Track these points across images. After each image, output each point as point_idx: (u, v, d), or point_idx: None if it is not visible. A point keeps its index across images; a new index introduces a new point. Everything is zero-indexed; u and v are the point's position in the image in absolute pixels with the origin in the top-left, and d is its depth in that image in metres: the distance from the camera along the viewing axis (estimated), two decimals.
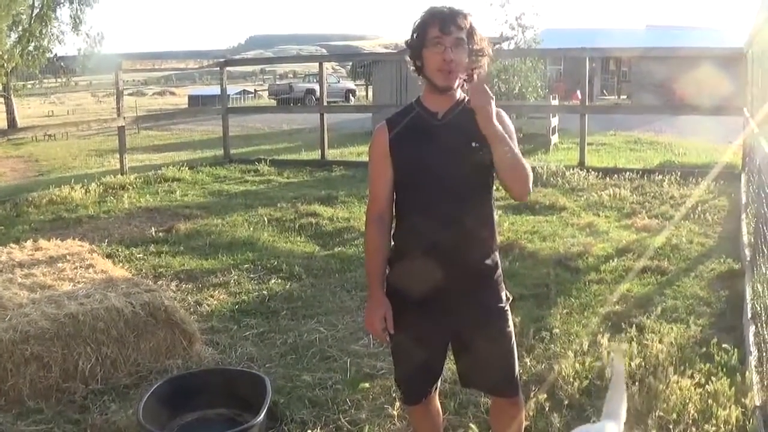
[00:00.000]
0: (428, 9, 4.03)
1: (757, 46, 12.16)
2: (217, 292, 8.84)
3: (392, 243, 4.28)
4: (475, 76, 4.07)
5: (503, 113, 4.07)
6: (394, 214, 4.26)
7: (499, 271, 4.26)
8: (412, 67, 4.11)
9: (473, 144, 3.96)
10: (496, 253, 4.26)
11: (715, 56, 22.33)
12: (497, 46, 32.36)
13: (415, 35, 4.03)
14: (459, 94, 4.12)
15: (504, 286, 4.30)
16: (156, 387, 5.56)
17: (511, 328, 4.29)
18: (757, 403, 5.28)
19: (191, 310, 8.12)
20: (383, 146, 4.14)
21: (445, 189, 4.02)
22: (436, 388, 4.55)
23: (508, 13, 39.02)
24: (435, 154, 4.02)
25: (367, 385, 6.21)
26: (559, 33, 40.87)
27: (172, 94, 76.07)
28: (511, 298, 4.34)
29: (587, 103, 18.75)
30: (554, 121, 23.14)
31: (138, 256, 10.47)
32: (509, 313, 4.30)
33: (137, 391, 6.19)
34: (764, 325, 6.35)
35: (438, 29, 3.91)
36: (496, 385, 4.39)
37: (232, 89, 29.65)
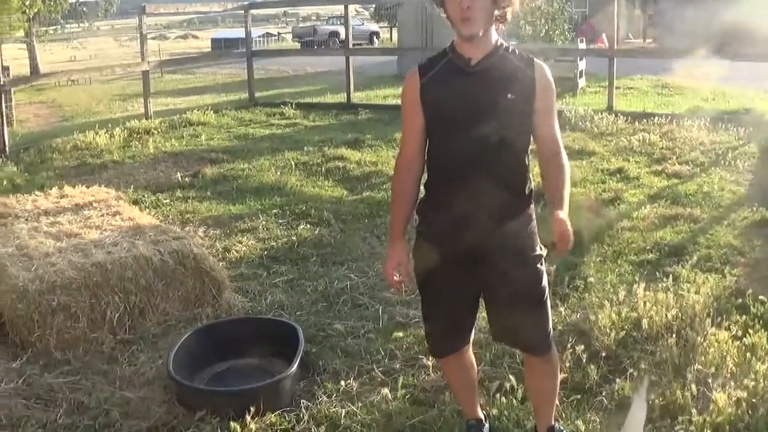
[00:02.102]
0: None
1: None
2: (245, 238, 8.80)
3: (423, 192, 4.23)
4: (508, 15, 3.97)
5: (546, 70, 4.00)
6: (426, 162, 4.19)
7: (533, 223, 4.16)
8: (443, 14, 3.98)
9: (509, 95, 3.88)
10: (531, 205, 4.15)
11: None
12: None
13: None
14: (494, 37, 3.99)
15: (538, 239, 4.20)
16: (185, 337, 5.54)
17: (545, 282, 4.20)
18: None
19: (219, 256, 8.09)
20: (414, 93, 4.04)
21: (477, 140, 3.90)
22: (469, 341, 4.48)
23: None
24: (467, 103, 3.93)
25: (400, 334, 6.17)
26: None
27: (195, 37, 75.71)
28: (545, 252, 4.22)
29: (615, 47, 18.50)
30: (581, 65, 22.92)
31: (164, 201, 10.45)
32: (543, 266, 4.20)
33: (166, 340, 6.17)
34: None
35: None
36: (528, 342, 4.32)
37: (255, 32, 29.49)
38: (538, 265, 4.16)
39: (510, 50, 4.02)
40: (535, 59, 4.01)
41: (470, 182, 3.94)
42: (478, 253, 4.04)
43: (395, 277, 4.20)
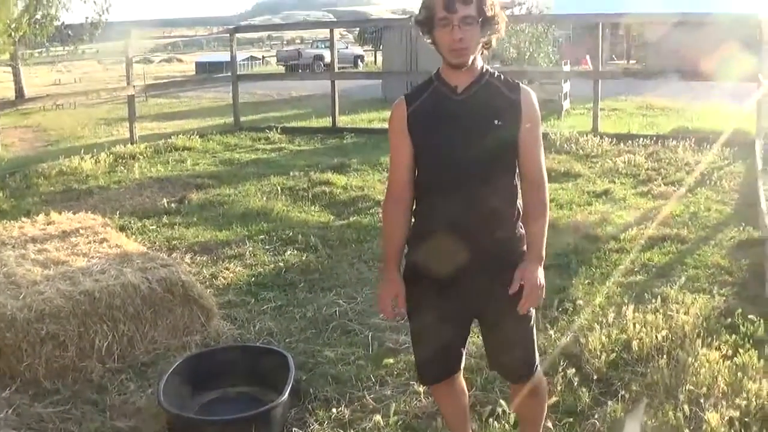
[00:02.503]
0: None
1: None
2: (232, 264, 8.75)
3: (413, 221, 4.18)
4: (493, 42, 3.94)
5: (532, 96, 3.96)
6: (415, 191, 4.13)
7: (524, 249, 4.07)
8: (428, 40, 3.93)
9: (495, 122, 3.85)
10: (521, 232, 4.07)
11: (732, 21, 22.16)
12: (509, 11, 32.24)
13: (422, 13, 3.87)
14: (480, 64, 3.96)
15: None
16: (175, 366, 5.51)
17: (533, 311, 4.17)
18: None
19: (207, 283, 8.04)
20: (401, 122, 4.01)
21: (465, 167, 3.87)
22: (459, 369, 4.43)
23: None
24: (454, 131, 3.90)
25: (391, 360, 6.15)
26: None
27: (179, 60, 75.80)
28: None
29: (600, 69, 18.60)
30: (566, 87, 23.02)
31: (151, 228, 10.39)
32: None
33: (155, 369, 6.14)
34: None
35: (443, 8, 3.74)
36: (516, 370, 4.30)
37: (239, 55, 29.61)
38: None
39: (495, 75, 4.00)
40: (521, 85, 3.98)
41: (458, 211, 3.91)
42: (468, 284, 4.00)
43: (392, 310, 4.17)
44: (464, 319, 4.23)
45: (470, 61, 3.85)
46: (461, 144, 3.87)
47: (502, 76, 4.00)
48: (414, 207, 4.16)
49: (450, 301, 4.05)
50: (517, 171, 4.02)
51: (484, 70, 3.98)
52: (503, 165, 3.95)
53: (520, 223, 4.05)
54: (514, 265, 4.00)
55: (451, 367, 4.36)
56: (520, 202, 4.04)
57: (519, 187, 4.03)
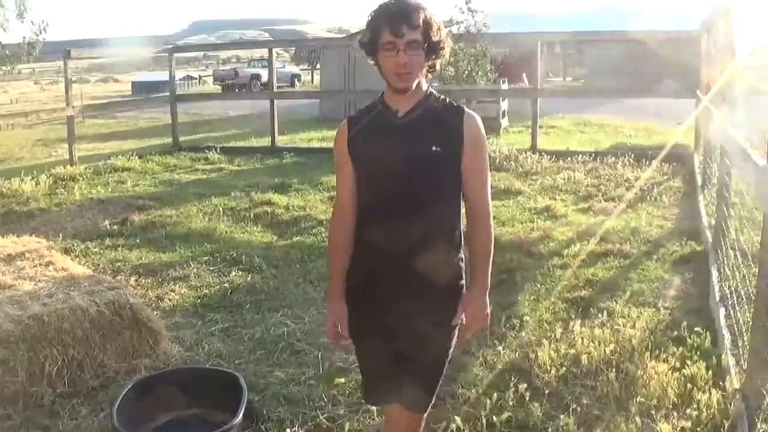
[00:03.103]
0: (379, 6, 3.77)
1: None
2: (177, 286, 8.68)
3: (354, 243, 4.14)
4: (438, 66, 3.88)
5: (477, 122, 3.88)
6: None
7: (462, 281, 4.01)
8: (371, 61, 3.87)
9: (434, 148, 3.77)
10: (459, 262, 3.99)
11: (668, 39, 22.43)
12: (447, 30, 32.32)
13: (367, 35, 3.79)
14: (424, 87, 3.89)
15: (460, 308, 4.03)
16: (127, 389, 5.46)
17: (452, 348, 4.10)
18: (737, 386, 5.28)
19: (153, 306, 7.94)
20: (343, 144, 3.97)
21: (403, 193, 3.81)
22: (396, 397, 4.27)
23: None
24: (393, 155, 3.81)
25: (342, 379, 6.13)
26: (504, 16, 41.04)
27: (116, 80, 75.46)
28: (464, 320, 4.06)
29: (538, 87, 18.77)
30: (504, 105, 23.19)
31: (94, 250, 10.26)
32: (456, 333, 4.09)
33: (106, 393, 6.07)
34: (734, 307, 6.38)
35: (390, 32, 3.65)
36: (416, 400, 4.17)
37: (176, 75, 29.30)
38: (452, 334, 4.05)
39: (440, 99, 3.93)
40: (465, 110, 3.91)
41: (395, 236, 3.83)
42: (400, 308, 3.90)
43: (335, 335, 4.13)
44: (397, 344, 4.08)
45: (414, 86, 3.80)
46: (399, 166, 3.79)
47: (447, 100, 3.95)
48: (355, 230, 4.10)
49: (386, 326, 3.99)
50: (460, 204, 3.98)
51: (428, 93, 3.92)
52: (441, 191, 3.89)
53: (461, 252, 3.98)
54: (449, 295, 3.97)
55: (391, 391, 4.23)
56: (461, 229, 3.98)
57: (459, 223, 3.99)
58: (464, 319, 3.94)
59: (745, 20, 8.28)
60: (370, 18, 3.79)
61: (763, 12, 7.09)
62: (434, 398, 4.19)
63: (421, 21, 3.66)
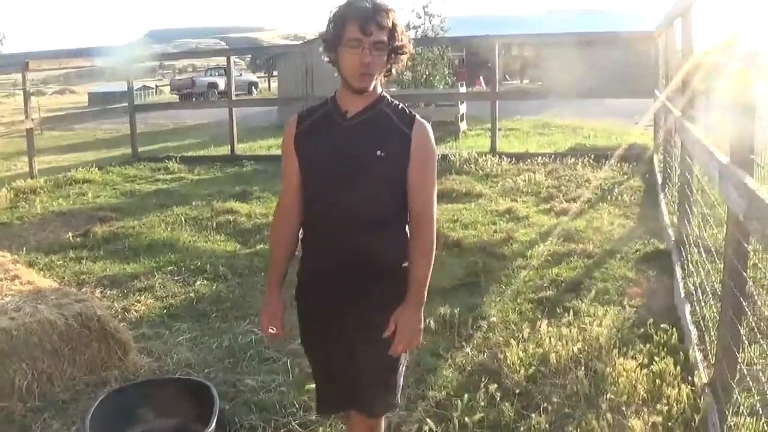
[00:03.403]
0: (348, 2, 3.70)
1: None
2: (143, 297, 8.62)
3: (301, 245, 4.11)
4: (394, 71, 3.84)
5: (428, 131, 3.85)
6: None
7: (406, 286, 3.89)
8: (326, 58, 3.81)
9: (378, 153, 3.73)
10: (404, 266, 3.90)
11: (625, 39, 22.58)
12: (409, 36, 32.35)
13: (331, 29, 3.71)
14: (378, 90, 3.85)
15: None
16: (99, 401, 5.44)
17: (405, 354, 4.05)
18: (705, 381, 5.34)
19: (119, 317, 7.88)
20: (290, 141, 3.92)
21: (344, 195, 3.77)
22: (349, 405, 4.26)
23: (414, 1, 39.15)
24: (336, 156, 3.78)
25: (312, 385, 6.11)
26: (460, 21, 41.06)
27: (72, 92, 75.08)
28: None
29: (497, 90, 18.84)
30: (462, 108, 23.25)
31: (58, 263, 10.16)
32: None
33: (76, 406, 6.01)
34: (699, 303, 6.43)
35: (358, 29, 3.59)
36: (370, 405, 4.16)
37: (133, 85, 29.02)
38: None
39: (392, 104, 3.87)
40: (417, 118, 3.83)
41: (338, 239, 3.83)
42: (346, 315, 3.89)
43: (271, 330, 4.12)
44: (345, 352, 4.03)
45: (371, 88, 3.77)
46: (340, 172, 3.77)
47: (400, 106, 3.89)
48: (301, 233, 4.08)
49: (332, 331, 3.97)
50: (406, 211, 3.91)
51: (381, 97, 3.87)
52: (383, 198, 3.83)
53: (406, 261, 3.91)
54: (396, 301, 3.87)
55: (343, 400, 4.22)
56: (405, 249, 3.91)
57: (405, 231, 3.94)
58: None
59: (702, 20, 8.36)
60: (335, 13, 3.71)
61: (720, 12, 7.16)
62: (396, 402, 4.18)
63: (389, 23, 3.64)
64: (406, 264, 3.88)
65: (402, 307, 3.79)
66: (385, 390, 4.07)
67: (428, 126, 3.87)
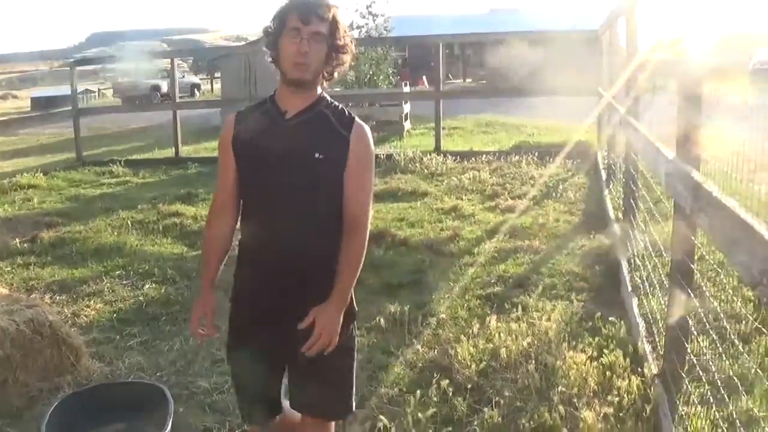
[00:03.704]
0: None
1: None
2: (92, 301, 8.53)
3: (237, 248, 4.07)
4: (335, 75, 3.86)
5: (367, 134, 3.85)
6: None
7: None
8: (269, 58, 3.82)
9: (316, 155, 3.71)
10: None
11: (568, 38, 22.74)
12: (351, 37, 32.41)
13: (273, 23, 3.74)
14: (319, 93, 3.85)
15: (352, 304, 3.99)
16: (54, 407, 5.42)
17: (353, 356, 4.06)
18: (655, 372, 5.42)
19: (70, 322, 7.81)
20: (227, 139, 3.91)
21: (281, 195, 3.77)
22: (281, 409, 4.26)
23: (358, 1, 39.34)
24: (274, 156, 3.76)
25: None
26: (403, 20, 41.16)
27: (14, 97, 74.32)
28: (356, 311, 4.06)
29: (441, 89, 18.91)
30: (406, 108, 23.32)
31: (6, 269, 10.06)
32: (355, 338, 4.10)
33: (31, 413, 5.98)
34: (647, 296, 6.52)
35: (297, 18, 3.62)
36: (327, 414, 4.14)
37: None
38: (348, 339, 3.98)
39: (332, 105, 3.86)
40: (356, 120, 3.83)
41: (275, 241, 3.79)
42: (283, 317, 3.80)
43: (201, 331, 4.09)
44: (281, 356, 4.02)
45: (309, 81, 3.74)
46: (277, 172, 3.76)
47: (340, 107, 3.89)
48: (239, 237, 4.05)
49: (264, 339, 3.91)
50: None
51: (321, 98, 3.86)
52: (320, 200, 3.82)
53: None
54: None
55: (275, 406, 4.23)
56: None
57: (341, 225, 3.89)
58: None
59: (646, 19, 8.45)
60: (280, 8, 3.76)
61: (663, 10, 7.25)
62: (351, 404, 4.13)
63: (330, 16, 3.67)
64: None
65: (324, 306, 3.70)
66: (340, 391, 4.04)
67: (367, 128, 3.87)
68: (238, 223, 4.07)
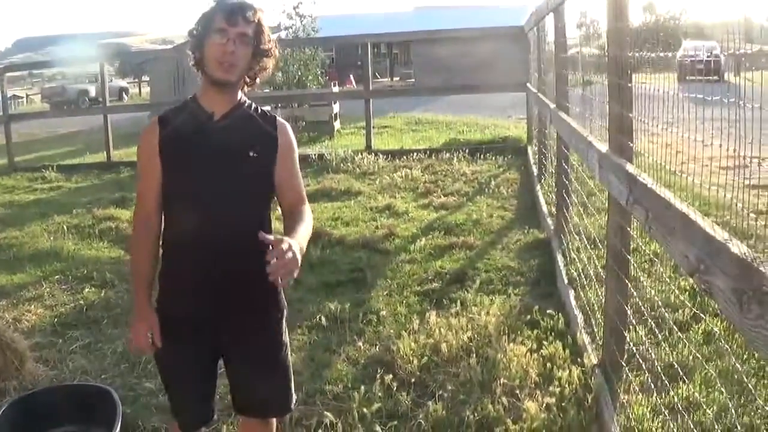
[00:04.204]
0: (217, 1, 3.77)
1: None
2: (33, 306, 8.49)
3: (161, 255, 3.99)
4: (258, 80, 3.90)
5: (289, 129, 3.94)
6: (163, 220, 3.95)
7: (279, 289, 3.98)
8: (192, 61, 3.81)
9: (251, 153, 3.77)
10: None
11: (497, 35, 22.92)
12: (275, 35, 32.36)
13: (199, 25, 3.75)
14: (240, 95, 3.89)
15: (282, 299, 4.05)
16: (1, 412, 5.40)
17: (287, 345, 4.07)
18: (595, 362, 5.51)
19: (11, 327, 7.78)
20: (152, 146, 3.81)
21: (215, 198, 3.75)
22: (214, 415, 4.24)
23: (285, 2, 39.13)
24: (206, 159, 3.76)
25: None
26: (330, 20, 41.16)
27: None
28: (285, 309, 4.07)
29: (369, 88, 18.98)
30: (336, 108, 23.36)
31: None
32: (285, 332, 4.08)
33: None
34: (583, 288, 6.63)
35: (224, 19, 3.64)
36: (271, 412, 4.19)
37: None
38: (281, 331, 4.03)
39: (253, 108, 3.91)
40: (278, 119, 3.93)
41: (208, 243, 3.75)
42: (215, 319, 3.85)
43: (149, 345, 3.89)
44: (213, 362, 4.06)
45: (233, 81, 3.76)
46: (212, 171, 3.76)
47: (260, 109, 3.94)
48: (162, 240, 3.96)
49: (198, 344, 3.92)
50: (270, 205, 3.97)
51: (243, 100, 3.90)
52: (256, 198, 3.88)
53: None
54: (265, 302, 3.93)
55: (211, 410, 4.20)
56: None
57: (272, 221, 3.97)
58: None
59: (574, 14, 8.58)
60: (205, 11, 3.77)
61: (591, 6, 7.37)
62: (291, 403, 4.16)
63: (256, 19, 3.70)
64: None
65: (282, 238, 3.42)
66: (280, 388, 4.07)
67: (288, 125, 3.97)
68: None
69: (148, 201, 3.88)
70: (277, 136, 3.85)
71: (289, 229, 3.69)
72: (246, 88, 3.91)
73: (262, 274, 3.43)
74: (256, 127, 3.82)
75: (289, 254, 3.30)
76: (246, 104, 3.90)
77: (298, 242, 3.47)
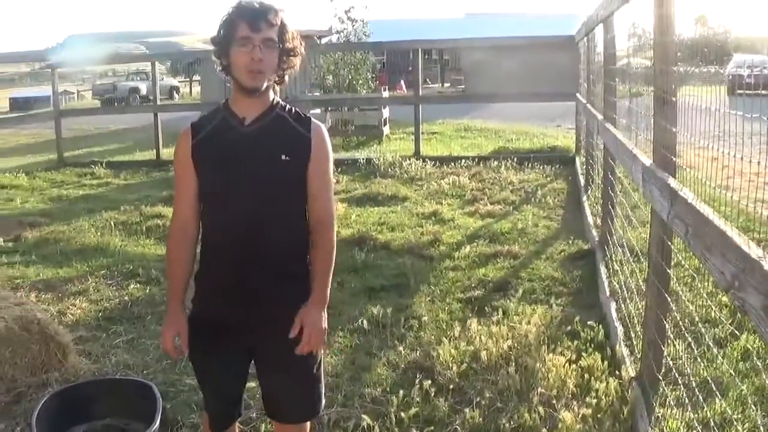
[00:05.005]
0: (237, 4, 3.73)
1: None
2: (78, 300, 8.58)
3: (199, 257, 4.04)
4: (286, 78, 3.91)
5: (324, 132, 3.92)
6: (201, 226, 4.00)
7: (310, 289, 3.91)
8: (218, 67, 3.82)
9: (283, 156, 3.75)
10: (307, 272, 3.91)
11: (546, 44, 22.84)
12: (327, 39, 32.41)
13: (222, 32, 3.72)
14: (271, 96, 3.86)
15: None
16: (43, 402, 5.47)
17: (320, 358, 4.04)
18: (632, 375, 5.51)
19: (56, 321, 7.83)
20: (185, 153, 3.86)
21: (249, 203, 3.76)
22: (241, 414, 4.40)
23: (337, 6, 39.31)
24: (239, 164, 3.77)
25: (252, 384, 6.15)
26: (381, 24, 41.17)
27: None
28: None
29: (420, 94, 19.01)
30: (385, 113, 23.38)
31: None
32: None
33: (20, 407, 6.00)
34: (624, 301, 6.62)
35: (247, 27, 3.61)
36: (298, 417, 4.18)
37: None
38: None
39: (287, 109, 3.89)
40: (312, 120, 3.90)
41: (243, 248, 3.78)
42: (250, 324, 3.86)
43: (174, 348, 3.98)
44: (244, 363, 4.10)
45: (263, 87, 3.75)
46: (245, 179, 3.76)
47: (294, 110, 3.92)
48: (200, 244, 4.02)
49: (231, 345, 3.95)
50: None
51: (275, 102, 3.88)
52: (289, 202, 3.86)
53: (308, 263, 3.93)
54: (299, 307, 3.83)
55: (238, 411, 4.30)
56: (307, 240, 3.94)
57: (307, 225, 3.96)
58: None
59: (623, 26, 8.56)
60: (225, 17, 3.74)
61: (640, 18, 7.36)
62: (320, 406, 4.17)
63: (278, 21, 3.69)
64: (308, 267, 3.92)
65: (306, 307, 3.76)
66: (309, 394, 4.08)
67: (324, 127, 3.94)
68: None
69: (184, 207, 3.95)
70: (311, 139, 3.83)
71: (315, 272, 3.85)
72: (275, 87, 3.91)
73: (294, 276, 3.64)
74: (290, 130, 3.81)
75: (313, 338, 3.73)
76: (279, 106, 3.89)
77: (320, 303, 3.81)
